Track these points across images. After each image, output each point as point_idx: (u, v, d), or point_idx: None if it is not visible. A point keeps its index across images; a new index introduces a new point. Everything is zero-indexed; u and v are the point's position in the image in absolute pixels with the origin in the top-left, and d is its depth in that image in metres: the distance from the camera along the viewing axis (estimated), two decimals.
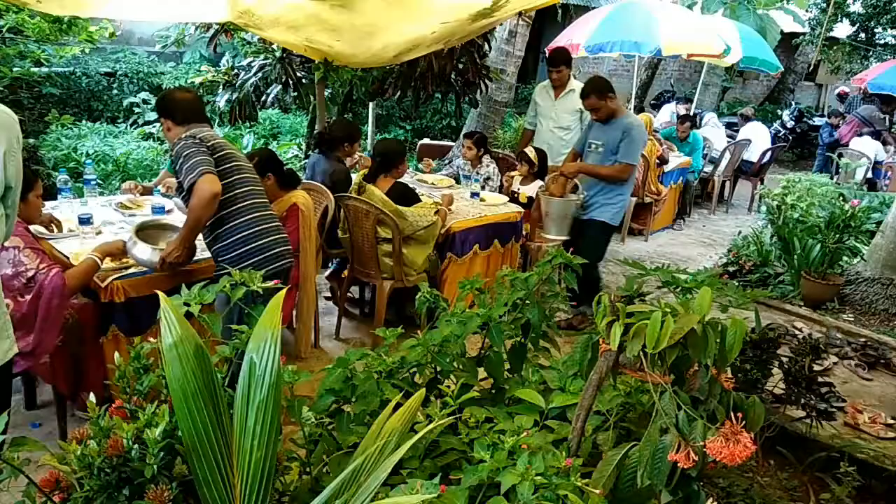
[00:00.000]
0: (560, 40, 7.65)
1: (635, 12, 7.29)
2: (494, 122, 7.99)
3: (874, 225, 5.73)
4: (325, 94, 5.61)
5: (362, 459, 1.31)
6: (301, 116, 9.20)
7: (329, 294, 4.72)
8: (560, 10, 10.24)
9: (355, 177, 4.06)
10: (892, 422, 3.20)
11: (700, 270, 2.64)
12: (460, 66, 5.83)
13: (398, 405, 1.48)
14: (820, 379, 2.92)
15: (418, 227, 3.80)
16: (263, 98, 5.76)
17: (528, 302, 2.23)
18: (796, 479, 2.86)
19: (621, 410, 1.84)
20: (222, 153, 2.88)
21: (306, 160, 5.27)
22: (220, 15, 3.73)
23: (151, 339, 1.52)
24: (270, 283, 1.74)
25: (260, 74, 5.68)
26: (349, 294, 4.52)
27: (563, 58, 5.37)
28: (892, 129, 10.87)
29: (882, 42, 11.45)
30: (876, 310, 4.90)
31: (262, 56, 5.72)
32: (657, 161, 6.66)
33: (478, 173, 5.25)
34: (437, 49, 4.71)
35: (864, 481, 2.58)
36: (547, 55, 5.64)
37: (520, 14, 6.48)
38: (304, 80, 5.55)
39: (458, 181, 5.38)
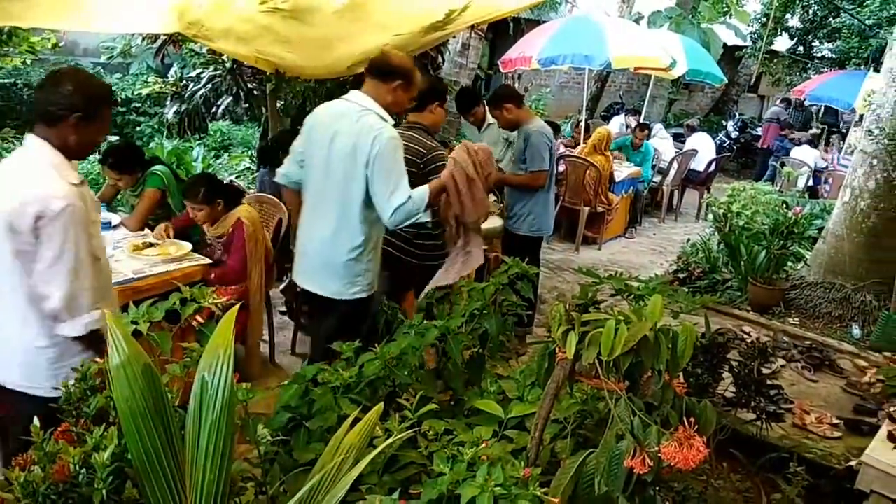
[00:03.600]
0: (512, 53, 7.76)
1: (585, 27, 7.45)
2: (450, 134, 8.04)
3: (816, 231, 5.97)
4: (278, 105, 5.56)
5: (320, 477, 1.29)
6: (253, 128, 9.06)
7: (284, 308, 4.64)
8: (512, 24, 10.39)
9: None
10: (837, 421, 3.31)
11: (651, 278, 2.69)
12: None
13: (356, 420, 1.47)
14: (768, 382, 3.01)
15: None
16: (213, 109, 5.67)
17: (485, 312, 2.24)
18: (748, 480, 2.94)
19: (578, 418, 1.87)
20: None
21: (258, 172, 5.20)
22: (168, 26, 3.65)
23: (98, 360, 1.47)
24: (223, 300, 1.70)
25: (210, 86, 5.60)
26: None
27: (469, 101, 5.05)
28: (831, 137, 11.41)
29: (819, 55, 11.97)
30: (820, 313, 5.08)
31: (211, 67, 5.63)
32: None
33: None
34: None
35: (813, 480, 2.67)
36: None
37: (472, 27, 6.55)
38: (255, 92, 5.49)
39: None
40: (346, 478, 1.22)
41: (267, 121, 5.70)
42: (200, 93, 5.60)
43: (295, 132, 5.15)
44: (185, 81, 5.94)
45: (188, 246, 3.44)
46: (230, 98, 5.62)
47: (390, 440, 1.43)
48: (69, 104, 1.96)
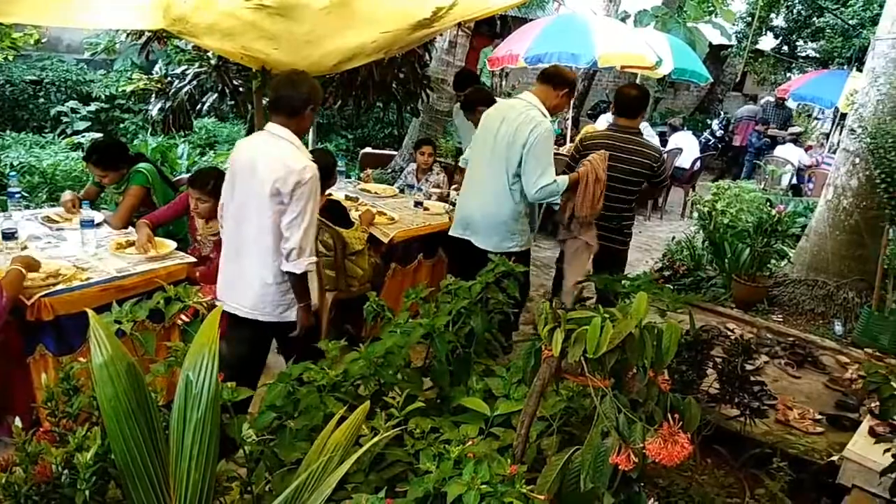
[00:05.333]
0: (499, 51, 7.76)
1: (572, 25, 7.47)
2: (437, 132, 8.03)
3: (799, 229, 6.03)
4: (264, 102, 5.52)
5: (306, 476, 1.29)
6: (239, 125, 9.01)
7: None
8: (499, 22, 10.39)
9: None
10: (819, 417, 3.35)
11: (637, 276, 2.71)
12: (401, 75, 5.83)
13: (342, 419, 1.46)
14: (752, 378, 3.04)
15: (351, 251, 3.76)
16: (199, 107, 5.62)
17: (471, 310, 2.24)
18: (732, 475, 2.96)
19: (564, 415, 1.87)
20: None
21: None
22: (152, 22, 3.62)
23: (82, 359, 1.46)
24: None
25: (195, 82, 5.53)
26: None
27: (469, 79, 5.15)
28: (804, 131, 11.60)
29: (803, 54, 12.10)
30: (803, 310, 5.13)
31: (196, 64, 5.57)
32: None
33: (427, 181, 5.25)
34: (378, 58, 4.70)
35: (796, 476, 2.70)
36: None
37: (459, 25, 6.54)
38: (241, 89, 5.44)
39: (402, 191, 5.36)
40: (331, 477, 1.22)
41: (253, 118, 5.67)
42: (185, 90, 5.54)
43: None
44: (169, 78, 5.87)
45: (172, 244, 3.41)
46: (215, 95, 5.57)
47: (376, 438, 1.43)
48: (306, 100, 2.68)
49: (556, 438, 1.77)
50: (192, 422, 1.30)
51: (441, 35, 6.89)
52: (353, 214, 4.29)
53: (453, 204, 4.62)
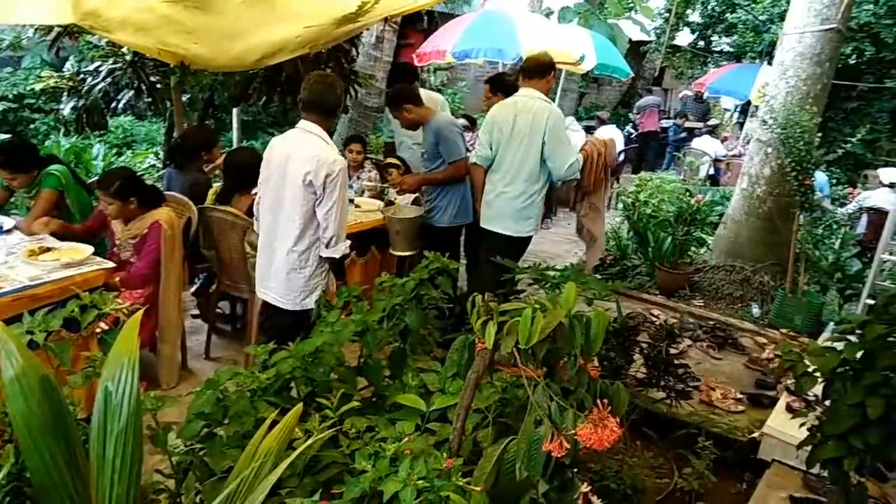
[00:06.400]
0: (426, 46, 7.75)
1: (498, 21, 7.53)
2: (366, 128, 7.96)
3: (717, 217, 6.31)
4: (184, 99, 5.33)
5: (237, 483, 1.25)
6: (158, 123, 8.67)
7: (197, 311, 4.47)
8: (426, 17, 10.39)
9: (209, 194, 3.84)
10: (740, 396, 3.52)
11: (567, 266, 2.77)
12: (328, 70, 5.74)
13: (274, 423, 1.43)
14: (676, 361, 3.16)
15: None
16: (114, 105, 5.37)
17: (406, 307, 2.24)
18: (661, 456, 3.08)
19: (499, 406, 1.89)
20: None
21: (164, 170, 4.97)
22: (62, 17, 3.43)
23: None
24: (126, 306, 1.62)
25: (109, 79, 5.28)
26: (218, 310, 4.31)
27: (407, 73, 5.03)
28: (708, 120, 12.20)
29: (718, 49, 12.59)
30: (722, 294, 5.38)
31: (110, 60, 5.32)
32: None
33: (359, 178, 5.19)
34: (303, 53, 4.61)
35: (720, 453, 2.82)
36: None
37: (386, 20, 6.50)
38: (158, 85, 5.23)
39: None
40: (264, 483, 1.19)
41: (172, 116, 5.46)
42: (99, 87, 5.27)
43: (206, 128, 4.91)
44: (82, 75, 5.57)
45: (88, 249, 3.25)
46: (132, 92, 5.32)
47: (310, 441, 1.41)
48: (339, 101, 3.02)
49: (491, 430, 1.79)
50: (114, 434, 1.24)
51: (368, 30, 6.82)
52: None
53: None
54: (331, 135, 3.10)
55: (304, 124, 2.97)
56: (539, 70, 3.83)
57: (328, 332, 1.95)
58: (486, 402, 1.86)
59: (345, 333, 1.94)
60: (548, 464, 1.49)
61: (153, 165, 7.00)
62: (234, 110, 6.33)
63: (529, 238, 3.94)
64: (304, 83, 2.98)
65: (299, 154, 2.88)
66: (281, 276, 3.01)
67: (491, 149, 3.87)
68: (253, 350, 1.88)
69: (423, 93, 4.95)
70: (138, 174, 3.70)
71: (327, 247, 2.94)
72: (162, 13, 3.38)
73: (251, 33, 3.82)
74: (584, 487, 1.58)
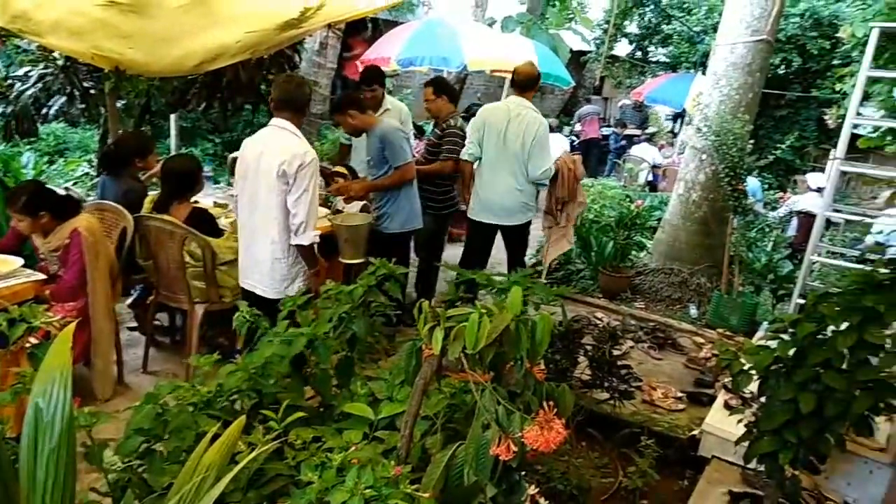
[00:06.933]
0: (370, 53, 7.73)
1: (442, 29, 7.57)
2: (310, 135, 7.87)
3: (656, 221, 6.50)
4: (119, 105, 5.16)
5: (177, 499, 1.21)
6: (91, 130, 8.36)
7: (134, 324, 4.32)
8: (370, 24, 10.36)
9: (146, 203, 3.72)
10: (681, 395, 3.62)
11: (512, 272, 2.80)
12: (270, 76, 5.67)
13: (216, 437, 1.39)
14: (619, 362, 3.23)
15: (221, 261, 3.59)
16: (45, 111, 5.16)
17: (353, 315, 2.21)
18: (606, 456, 3.14)
19: (447, 412, 1.89)
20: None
21: (98, 178, 4.80)
22: None
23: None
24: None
25: (40, 85, 5.09)
26: (156, 322, 4.17)
27: (376, 75, 4.98)
28: (646, 128, 12.62)
29: (655, 59, 12.99)
30: (662, 296, 5.53)
31: (41, 65, 5.13)
32: None
33: None
34: (244, 59, 4.54)
35: (662, 451, 2.89)
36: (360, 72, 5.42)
37: (329, 26, 6.46)
38: (92, 91, 5.06)
39: None
40: (205, 498, 1.16)
41: (107, 122, 5.28)
42: (29, 93, 5.07)
43: (141, 134, 4.77)
44: (10, 81, 5.35)
45: (18, 261, 3.10)
46: (64, 98, 5.14)
47: (253, 454, 1.37)
48: (308, 99, 3.21)
49: (440, 436, 1.79)
50: (45, 453, 1.18)
51: (311, 36, 6.76)
52: (223, 222, 4.10)
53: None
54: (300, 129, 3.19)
55: (276, 121, 3.11)
56: (530, 83, 4.41)
57: (277, 342, 1.91)
58: (435, 408, 1.86)
59: (297, 345, 1.90)
60: (495, 467, 1.50)
61: (87, 173, 6.74)
62: (172, 116, 6.18)
63: (522, 226, 4.55)
64: (274, 84, 3.17)
65: (272, 148, 3.03)
66: (265, 267, 3.17)
67: (480, 147, 4.36)
68: (195, 361, 1.82)
69: (388, 100, 4.99)
70: (63, 181, 3.56)
71: (296, 234, 3.06)
72: (96, 17, 3.27)
73: (189, 38, 3.73)
74: (532, 489, 1.59)
